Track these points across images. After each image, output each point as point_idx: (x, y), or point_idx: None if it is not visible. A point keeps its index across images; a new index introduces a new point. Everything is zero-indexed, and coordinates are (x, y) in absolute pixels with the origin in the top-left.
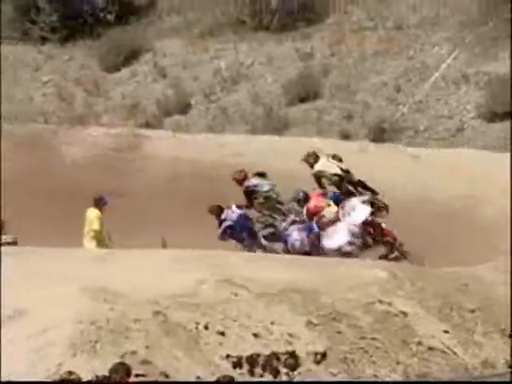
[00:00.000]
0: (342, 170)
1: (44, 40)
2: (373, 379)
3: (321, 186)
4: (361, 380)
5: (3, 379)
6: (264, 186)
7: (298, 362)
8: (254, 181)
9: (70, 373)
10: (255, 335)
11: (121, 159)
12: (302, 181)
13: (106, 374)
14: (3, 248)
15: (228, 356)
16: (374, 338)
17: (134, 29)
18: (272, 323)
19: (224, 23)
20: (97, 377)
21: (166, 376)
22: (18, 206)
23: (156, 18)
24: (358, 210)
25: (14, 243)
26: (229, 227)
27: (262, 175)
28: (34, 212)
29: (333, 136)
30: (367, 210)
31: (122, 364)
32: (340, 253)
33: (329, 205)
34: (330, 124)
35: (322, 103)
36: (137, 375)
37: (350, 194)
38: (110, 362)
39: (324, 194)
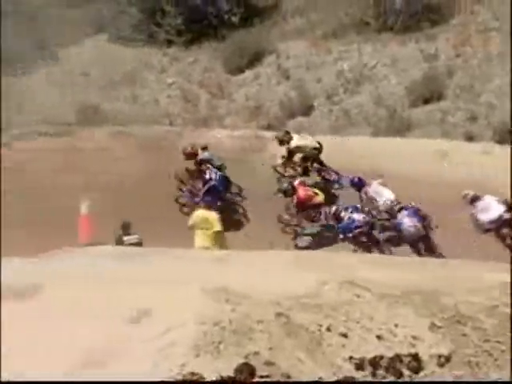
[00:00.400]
0: (318, 143)
1: (169, 43)
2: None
3: (290, 160)
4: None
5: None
6: (216, 159)
7: (422, 364)
8: (207, 154)
9: (193, 373)
10: (378, 337)
11: (244, 161)
12: (420, 183)
13: (230, 374)
14: (128, 248)
15: (351, 358)
16: (498, 342)
17: (258, 31)
18: (395, 325)
19: (348, 24)
20: (221, 377)
21: (289, 377)
22: (143, 207)
23: (280, 20)
24: (385, 194)
25: (139, 244)
26: (213, 187)
27: (206, 148)
28: (159, 213)
29: (457, 137)
30: (391, 193)
31: (246, 364)
32: (499, 222)
33: (316, 193)
34: (454, 125)
35: (446, 104)
36: (261, 376)
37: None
38: (233, 362)
39: (305, 183)
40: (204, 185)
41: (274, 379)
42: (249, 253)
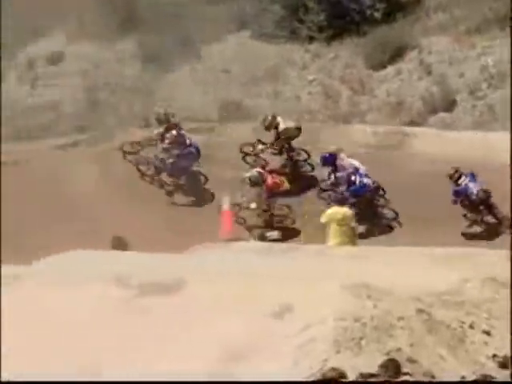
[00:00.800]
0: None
1: (311, 39)
2: None
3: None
4: None
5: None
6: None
7: None
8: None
9: (334, 369)
10: None
11: (385, 157)
12: None
13: (370, 371)
14: (268, 244)
15: (494, 356)
16: None
17: (401, 26)
18: None
19: (492, 20)
20: (361, 374)
21: (431, 375)
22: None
23: (423, 15)
24: (357, 164)
25: (280, 240)
26: (190, 152)
27: None
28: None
29: None
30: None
31: (391, 360)
32: None
33: (282, 181)
34: None
35: None
36: (403, 373)
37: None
38: (374, 359)
39: (275, 171)
40: (184, 149)
41: (416, 377)
42: (388, 249)
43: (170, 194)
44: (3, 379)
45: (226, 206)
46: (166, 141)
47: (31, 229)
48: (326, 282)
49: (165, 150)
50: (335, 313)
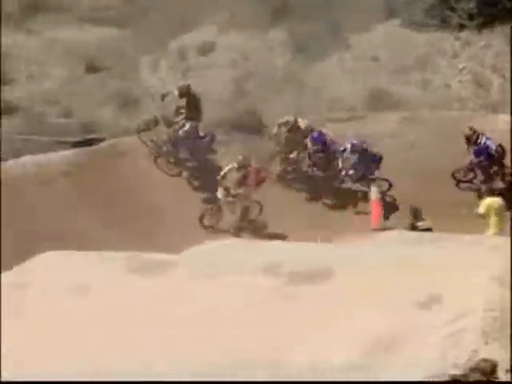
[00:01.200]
0: None
1: (461, 27)
2: None
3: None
4: None
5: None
6: None
7: None
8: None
9: (486, 360)
10: None
11: None
12: None
13: None
14: (415, 234)
15: None
16: None
17: None
18: None
19: None
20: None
21: None
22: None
23: None
24: None
25: (429, 229)
26: (206, 142)
27: None
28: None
29: None
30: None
31: None
32: None
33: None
34: None
35: None
36: None
37: None
38: None
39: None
40: (198, 140)
41: None
42: None
43: (191, 183)
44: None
45: (374, 196)
46: (180, 132)
47: (177, 218)
48: (476, 272)
49: (180, 138)
50: (485, 303)
